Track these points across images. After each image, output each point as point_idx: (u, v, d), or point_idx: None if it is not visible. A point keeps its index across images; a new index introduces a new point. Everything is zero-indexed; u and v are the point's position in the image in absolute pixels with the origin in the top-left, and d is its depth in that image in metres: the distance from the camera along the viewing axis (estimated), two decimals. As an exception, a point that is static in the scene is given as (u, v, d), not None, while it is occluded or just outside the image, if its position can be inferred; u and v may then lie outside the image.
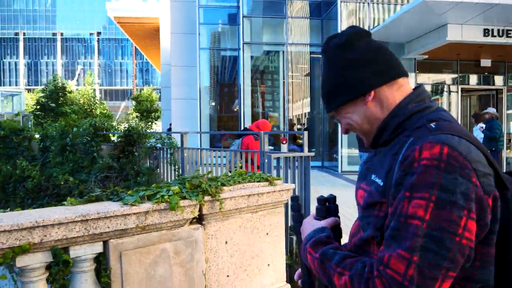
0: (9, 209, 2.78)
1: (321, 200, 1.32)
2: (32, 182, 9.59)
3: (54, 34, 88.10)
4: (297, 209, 1.37)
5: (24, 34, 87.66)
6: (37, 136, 12.66)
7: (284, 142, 10.88)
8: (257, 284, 3.33)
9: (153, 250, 2.71)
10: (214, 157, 6.02)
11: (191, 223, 2.96)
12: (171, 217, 2.75)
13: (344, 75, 1.18)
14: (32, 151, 12.17)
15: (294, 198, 1.41)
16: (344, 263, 1.03)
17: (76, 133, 8.52)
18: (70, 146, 8.66)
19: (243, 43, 13.05)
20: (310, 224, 1.27)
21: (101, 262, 2.58)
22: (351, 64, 1.18)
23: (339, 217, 1.29)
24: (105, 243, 2.56)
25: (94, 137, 8.10)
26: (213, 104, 14.83)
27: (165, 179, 6.65)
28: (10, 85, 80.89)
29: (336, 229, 1.26)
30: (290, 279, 3.86)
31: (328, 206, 1.31)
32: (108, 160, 7.18)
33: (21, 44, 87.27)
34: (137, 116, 26.26)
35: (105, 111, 29.76)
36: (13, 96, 42.06)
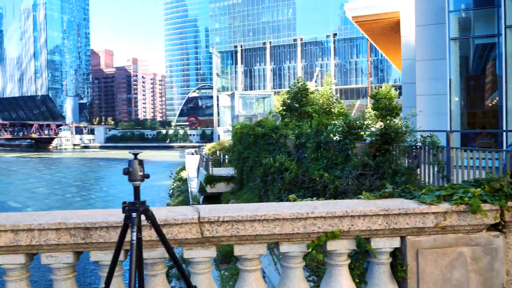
0: (288, 198, 3.16)
1: None
2: (290, 175, 10.72)
3: (294, 40, 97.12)
4: None
5: (270, 43, 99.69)
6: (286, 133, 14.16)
7: None
8: None
9: (449, 252, 2.63)
10: (485, 159, 5.43)
11: (488, 229, 2.75)
12: (470, 221, 2.62)
13: None
14: (287, 147, 13.68)
15: None
16: None
17: (330, 131, 9.08)
18: (324, 143, 9.30)
19: (505, 27, 11.30)
20: None
21: (396, 257, 2.66)
22: None
23: None
24: (402, 239, 2.63)
25: (347, 135, 8.43)
26: (464, 98, 13.43)
27: (426, 181, 6.35)
28: (259, 89, 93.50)
29: None
30: None
31: None
32: (363, 157, 7.36)
33: (267, 52, 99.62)
34: (375, 115, 26.33)
35: (341, 110, 30.99)
36: (264, 99, 48.65)
